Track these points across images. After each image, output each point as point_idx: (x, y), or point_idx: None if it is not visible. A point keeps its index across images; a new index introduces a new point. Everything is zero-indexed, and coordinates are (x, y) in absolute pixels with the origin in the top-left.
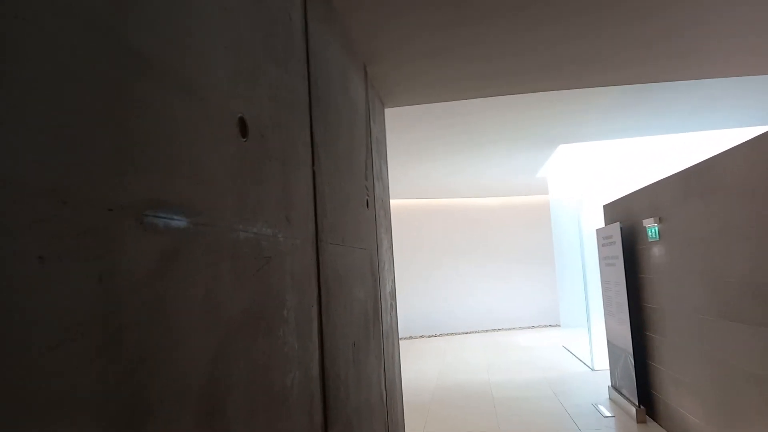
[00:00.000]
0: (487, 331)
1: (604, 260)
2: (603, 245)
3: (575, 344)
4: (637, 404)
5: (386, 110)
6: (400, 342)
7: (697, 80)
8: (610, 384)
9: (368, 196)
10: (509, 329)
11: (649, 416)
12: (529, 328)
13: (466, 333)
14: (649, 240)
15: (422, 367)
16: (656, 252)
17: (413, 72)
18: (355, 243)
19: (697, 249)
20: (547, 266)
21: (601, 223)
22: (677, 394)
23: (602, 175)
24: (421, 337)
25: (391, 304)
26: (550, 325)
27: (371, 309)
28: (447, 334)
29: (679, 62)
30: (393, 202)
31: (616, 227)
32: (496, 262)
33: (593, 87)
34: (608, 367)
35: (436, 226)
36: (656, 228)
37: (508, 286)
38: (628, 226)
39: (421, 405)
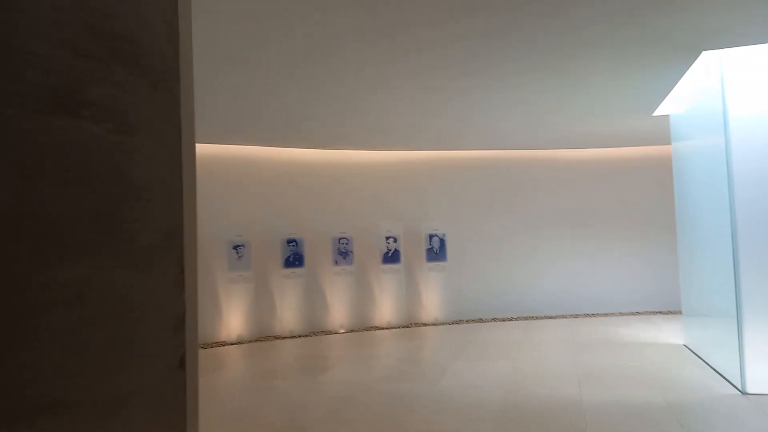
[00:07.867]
0: (576, 315)
1: None
2: None
3: (708, 345)
4: None
5: None
6: (465, 325)
7: None
8: None
9: None
10: (605, 315)
11: None
12: (632, 314)
13: (550, 317)
14: None
15: (486, 369)
16: None
17: None
18: None
19: None
20: (662, 235)
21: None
22: None
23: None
24: (493, 320)
25: None
26: (661, 312)
27: None
28: (524, 318)
29: None
30: (449, 153)
31: None
32: (590, 228)
33: None
34: None
35: (508, 182)
36: None
37: (605, 259)
38: None
39: None
